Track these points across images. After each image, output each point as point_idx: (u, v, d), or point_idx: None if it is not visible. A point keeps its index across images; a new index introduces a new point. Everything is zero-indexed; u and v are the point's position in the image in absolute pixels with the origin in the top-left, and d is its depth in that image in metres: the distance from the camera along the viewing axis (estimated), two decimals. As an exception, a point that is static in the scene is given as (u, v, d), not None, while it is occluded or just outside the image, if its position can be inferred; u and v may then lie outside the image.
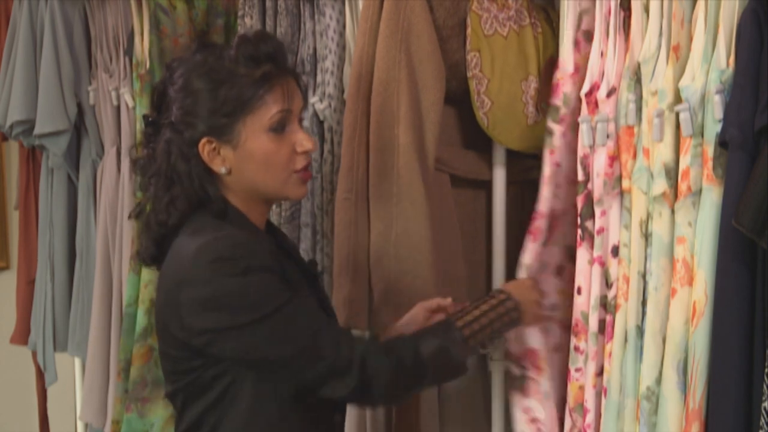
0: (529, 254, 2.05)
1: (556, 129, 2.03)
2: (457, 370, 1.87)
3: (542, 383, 2.09)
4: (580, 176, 1.99)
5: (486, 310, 1.90)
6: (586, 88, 1.98)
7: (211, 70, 1.79)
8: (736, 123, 1.77)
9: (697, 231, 1.83)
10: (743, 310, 1.77)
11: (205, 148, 1.79)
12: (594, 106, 1.97)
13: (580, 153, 1.99)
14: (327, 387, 1.74)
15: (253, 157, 1.79)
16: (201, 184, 1.81)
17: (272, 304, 1.71)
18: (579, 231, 2.00)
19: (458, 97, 2.19)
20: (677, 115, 1.87)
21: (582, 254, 1.99)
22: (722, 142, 1.80)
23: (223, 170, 1.81)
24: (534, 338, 2.09)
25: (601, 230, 1.96)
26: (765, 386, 1.72)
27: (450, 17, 2.18)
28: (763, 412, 1.72)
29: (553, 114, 2.03)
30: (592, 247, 1.97)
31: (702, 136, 1.85)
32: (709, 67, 1.84)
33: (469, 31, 2.17)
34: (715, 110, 1.81)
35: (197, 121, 1.79)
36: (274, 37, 1.89)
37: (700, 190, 1.84)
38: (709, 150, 1.82)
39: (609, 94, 1.95)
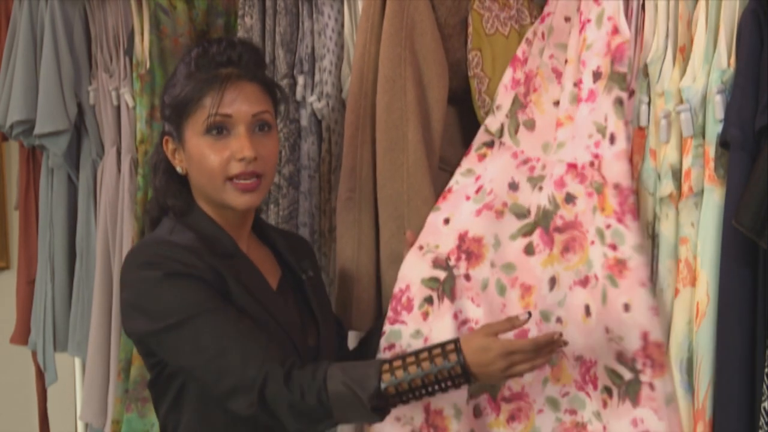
0: (637, 233, 1.87)
1: (625, 97, 1.92)
2: (368, 419, 1.73)
3: (660, 387, 1.85)
4: None
5: (426, 371, 1.67)
6: (631, 72, 1.96)
7: (174, 73, 1.85)
8: (736, 123, 1.77)
9: (699, 231, 1.83)
10: (745, 310, 1.78)
11: (168, 146, 1.86)
12: None
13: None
14: (234, 403, 1.70)
15: (191, 159, 1.82)
16: (165, 180, 1.87)
17: (184, 313, 1.70)
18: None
19: (459, 96, 2.19)
20: (685, 116, 1.87)
21: None
22: (723, 142, 1.80)
23: (179, 170, 1.86)
24: (654, 327, 1.84)
25: None
26: (765, 386, 1.72)
27: (451, 16, 2.18)
28: (763, 411, 1.71)
29: (620, 82, 1.91)
30: None
31: (703, 136, 1.85)
32: (710, 68, 1.84)
33: (470, 30, 2.16)
34: (716, 110, 1.81)
35: (163, 120, 1.88)
36: (243, 42, 1.87)
37: (702, 191, 1.84)
38: (711, 150, 1.82)
39: (629, 96, 1.94)
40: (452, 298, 2.00)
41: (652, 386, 1.84)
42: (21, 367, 3.59)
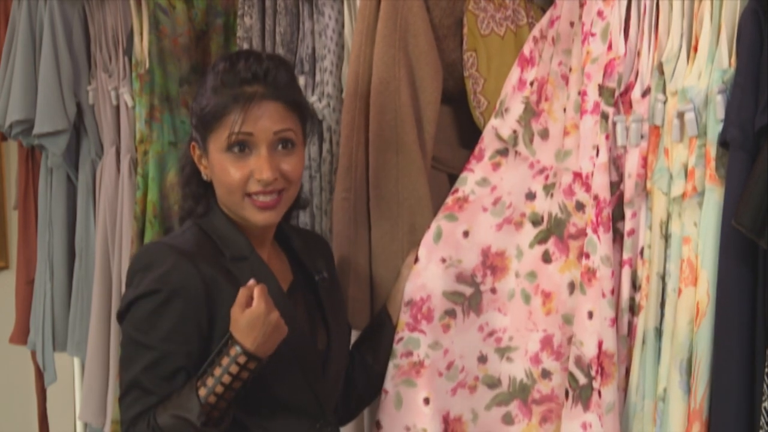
0: (606, 246, 1.93)
1: (611, 112, 1.95)
2: None
3: (605, 395, 1.92)
4: (613, 177, 1.98)
5: (223, 370, 1.72)
6: (620, 88, 1.97)
7: (203, 83, 1.85)
8: (736, 123, 1.77)
9: (701, 231, 1.82)
10: (744, 310, 1.77)
11: (195, 151, 1.87)
12: (628, 106, 1.96)
13: (612, 153, 1.98)
14: None
15: (213, 171, 1.83)
16: (186, 182, 1.88)
17: (142, 337, 1.74)
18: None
19: (455, 96, 2.19)
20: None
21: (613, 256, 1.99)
22: (723, 142, 1.80)
23: (204, 176, 1.86)
24: (608, 337, 1.92)
25: (632, 232, 1.96)
26: (766, 386, 1.72)
27: (446, 17, 2.17)
28: (764, 412, 1.71)
29: (607, 97, 1.95)
30: (621, 249, 1.97)
31: (706, 136, 1.84)
32: (712, 67, 1.84)
33: (465, 30, 2.16)
34: (717, 110, 1.81)
35: (191, 126, 1.88)
36: (271, 57, 1.86)
37: (705, 191, 1.84)
38: (712, 150, 1.82)
39: (644, 95, 1.94)
40: (478, 312, 2.06)
41: (600, 393, 1.90)
42: (20, 367, 3.59)
